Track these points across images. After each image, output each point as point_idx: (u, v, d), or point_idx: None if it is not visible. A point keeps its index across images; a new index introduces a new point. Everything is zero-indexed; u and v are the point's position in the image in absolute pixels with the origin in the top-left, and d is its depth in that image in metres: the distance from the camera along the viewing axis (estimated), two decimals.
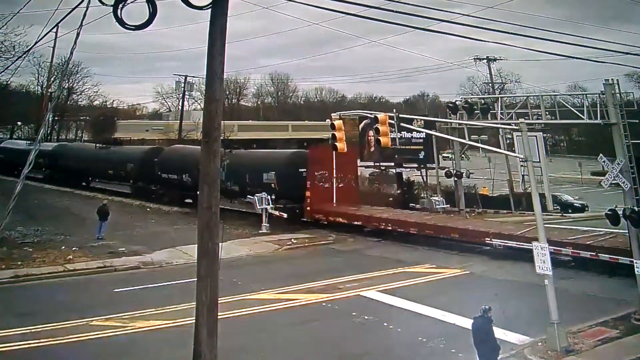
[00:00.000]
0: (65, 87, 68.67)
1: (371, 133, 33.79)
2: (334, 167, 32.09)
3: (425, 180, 39.43)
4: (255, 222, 30.78)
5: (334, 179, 32.32)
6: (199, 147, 9.21)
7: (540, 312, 14.01)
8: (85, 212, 32.39)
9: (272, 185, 31.68)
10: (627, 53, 17.48)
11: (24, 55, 25.26)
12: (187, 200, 36.97)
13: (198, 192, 8.85)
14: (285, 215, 30.83)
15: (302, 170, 31.66)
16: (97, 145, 47.30)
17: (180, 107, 70.17)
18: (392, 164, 39.12)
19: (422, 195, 39.51)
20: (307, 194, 31.39)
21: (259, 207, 30.22)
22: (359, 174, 36.74)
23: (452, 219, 29.82)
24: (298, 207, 31.68)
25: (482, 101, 25.08)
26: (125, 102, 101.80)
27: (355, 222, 29.62)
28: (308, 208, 31.35)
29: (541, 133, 29.62)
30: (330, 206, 31.63)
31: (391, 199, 38.34)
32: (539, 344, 13.57)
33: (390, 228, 28.02)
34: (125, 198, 41.49)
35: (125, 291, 18.74)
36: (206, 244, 8.59)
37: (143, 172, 40.42)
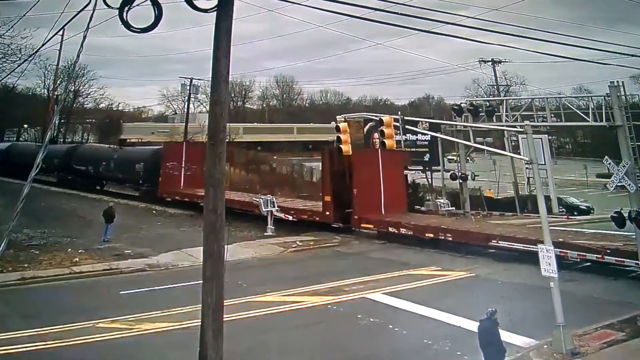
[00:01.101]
0: (72, 89, 68.97)
1: (376, 135, 33.63)
2: (184, 159, 40.16)
3: (430, 182, 39.41)
4: (260, 225, 30.81)
5: (183, 169, 40.12)
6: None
7: (545, 315, 13.97)
8: (91, 215, 32.53)
9: (141, 173, 41.68)
10: (633, 55, 17.43)
11: (31, 58, 25.35)
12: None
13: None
14: (290, 218, 30.94)
15: (169, 163, 40.26)
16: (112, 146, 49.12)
17: (185, 110, 70.33)
18: None
19: (427, 197, 39.50)
20: (160, 179, 39.68)
21: (264, 210, 30.30)
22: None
23: (459, 221, 29.64)
24: (155, 189, 39.83)
25: (487, 103, 25.11)
26: (131, 104, 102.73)
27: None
28: (160, 189, 39.43)
29: (546, 135, 29.64)
30: (179, 187, 39.45)
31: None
32: (545, 346, 13.54)
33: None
34: (132, 200, 41.62)
35: (131, 293, 18.78)
36: (212, 246, 8.61)
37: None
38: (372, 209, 29.53)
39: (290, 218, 31.16)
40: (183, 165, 40.08)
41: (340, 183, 30.00)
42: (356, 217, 29.40)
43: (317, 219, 30.33)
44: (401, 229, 27.35)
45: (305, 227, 31.14)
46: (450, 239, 25.14)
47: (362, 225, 29.38)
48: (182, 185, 39.56)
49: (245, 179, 48.49)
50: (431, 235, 26.12)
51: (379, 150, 27.29)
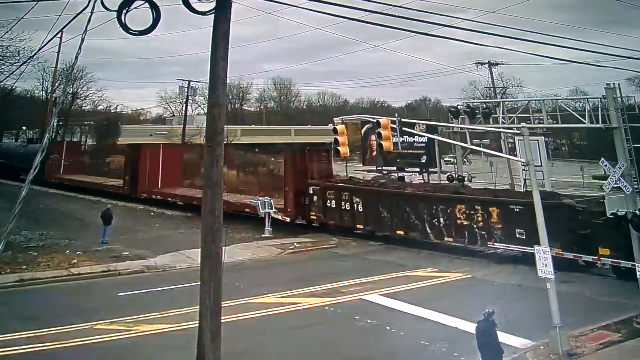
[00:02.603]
0: (70, 92, 68.85)
1: (373, 137, 33.82)
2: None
3: None
4: (258, 226, 30.85)
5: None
6: None
7: (542, 316, 14.04)
8: (89, 217, 32.56)
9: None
10: (629, 57, 17.58)
11: (29, 60, 25.35)
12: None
13: None
14: (288, 219, 30.99)
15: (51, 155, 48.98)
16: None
17: (183, 112, 70.34)
18: (394, 168, 39.17)
19: None
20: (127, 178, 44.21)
21: (261, 212, 30.34)
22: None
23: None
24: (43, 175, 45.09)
25: (484, 105, 25.14)
26: (129, 106, 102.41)
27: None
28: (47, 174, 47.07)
29: (543, 137, 29.94)
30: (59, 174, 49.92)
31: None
32: (541, 347, 13.61)
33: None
34: (130, 202, 41.61)
35: (129, 295, 18.81)
36: (209, 248, 8.65)
37: None
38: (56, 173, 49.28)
39: (288, 219, 31.17)
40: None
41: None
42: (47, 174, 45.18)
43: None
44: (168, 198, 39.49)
45: (304, 228, 31.19)
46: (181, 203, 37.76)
47: (141, 194, 41.24)
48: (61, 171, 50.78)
49: (241, 181, 48.84)
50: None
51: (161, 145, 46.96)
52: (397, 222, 27.38)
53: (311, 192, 31.02)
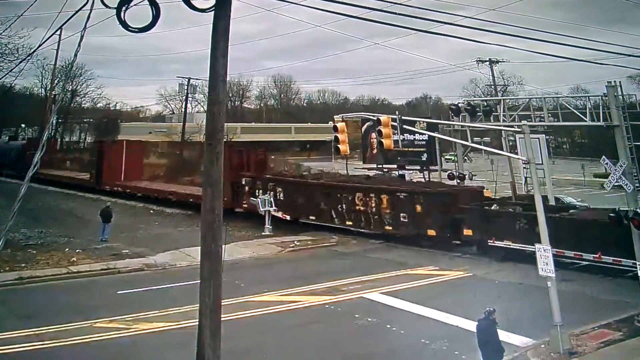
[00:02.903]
0: (69, 89, 68.88)
1: (374, 135, 33.84)
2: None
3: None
4: (258, 224, 30.82)
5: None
6: None
7: (543, 314, 14.00)
8: (89, 214, 32.54)
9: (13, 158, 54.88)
10: (630, 55, 17.43)
11: (28, 57, 25.26)
12: None
13: None
14: (288, 217, 30.98)
15: (28, 152, 49.35)
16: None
17: (183, 109, 70.30)
18: (395, 166, 39.12)
19: None
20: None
21: (261, 210, 30.31)
22: None
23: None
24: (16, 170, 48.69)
25: (485, 103, 25.09)
26: (128, 104, 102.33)
27: None
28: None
29: (544, 135, 29.88)
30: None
31: None
32: (542, 346, 13.57)
33: None
34: (129, 200, 41.59)
35: (129, 293, 18.78)
36: (209, 246, 8.59)
37: None
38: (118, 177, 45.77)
39: (288, 218, 31.18)
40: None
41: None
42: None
43: None
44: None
45: (304, 227, 31.15)
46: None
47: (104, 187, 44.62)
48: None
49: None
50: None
51: (124, 142, 49.97)
52: (310, 208, 30.85)
53: (243, 182, 34.21)
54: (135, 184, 43.91)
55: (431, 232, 25.46)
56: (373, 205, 27.64)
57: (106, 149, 47.75)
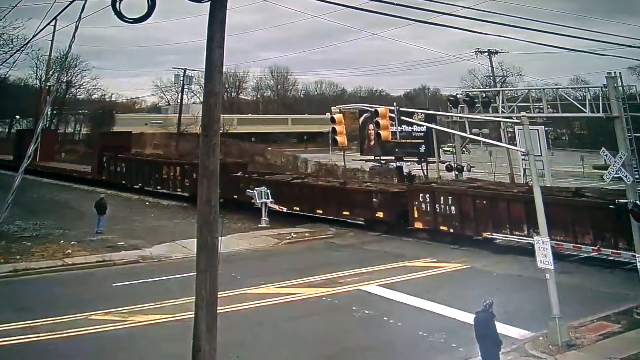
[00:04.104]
0: (64, 80, 68.48)
1: (371, 127, 33.79)
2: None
3: (425, 174, 39.33)
4: (254, 217, 30.71)
5: None
6: None
7: (541, 307, 13.95)
8: (84, 206, 32.37)
9: None
10: (630, 46, 17.31)
11: (22, 48, 25.07)
12: None
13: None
14: (285, 209, 30.89)
15: None
16: None
17: (179, 101, 69.94)
18: (393, 157, 39.06)
19: None
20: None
21: (258, 202, 30.18)
22: None
23: None
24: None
25: (484, 94, 25.01)
26: (124, 95, 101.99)
27: None
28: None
29: (543, 126, 29.78)
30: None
31: None
32: (541, 338, 13.53)
33: None
34: (124, 192, 41.46)
35: (124, 285, 18.69)
36: (205, 238, 8.50)
37: None
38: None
39: (285, 210, 31.09)
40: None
41: None
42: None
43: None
44: None
45: (301, 219, 31.08)
46: None
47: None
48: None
49: None
50: None
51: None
52: (142, 179, 41.60)
53: (104, 159, 45.17)
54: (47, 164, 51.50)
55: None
56: (172, 175, 39.32)
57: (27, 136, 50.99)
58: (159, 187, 40.09)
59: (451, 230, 25.08)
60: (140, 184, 41.62)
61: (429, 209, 25.89)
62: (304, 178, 35.84)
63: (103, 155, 45.28)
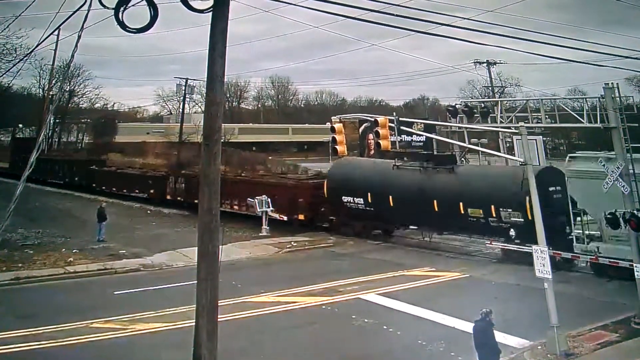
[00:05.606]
0: (67, 89, 68.67)
1: (371, 136, 33.79)
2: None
3: None
4: (255, 225, 30.77)
5: None
6: None
7: (539, 316, 13.98)
8: (86, 215, 32.43)
9: None
10: (627, 57, 17.52)
11: (26, 57, 25.33)
12: None
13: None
14: (285, 218, 30.96)
15: None
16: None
17: (181, 110, 70.10)
18: None
19: None
20: None
21: (259, 210, 30.24)
22: None
23: None
24: None
25: (482, 105, 25.09)
26: (126, 104, 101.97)
27: None
28: None
29: (541, 136, 29.86)
30: None
31: None
32: (539, 347, 13.57)
33: None
34: (125, 201, 41.53)
35: (126, 293, 18.75)
36: (206, 247, 8.60)
37: None
38: None
39: (285, 218, 31.16)
40: None
41: None
42: None
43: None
44: None
45: (301, 228, 31.14)
46: None
47: None
48: None
49: None
50: None
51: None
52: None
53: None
54: None
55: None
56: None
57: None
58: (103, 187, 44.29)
59: None
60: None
61: None
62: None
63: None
